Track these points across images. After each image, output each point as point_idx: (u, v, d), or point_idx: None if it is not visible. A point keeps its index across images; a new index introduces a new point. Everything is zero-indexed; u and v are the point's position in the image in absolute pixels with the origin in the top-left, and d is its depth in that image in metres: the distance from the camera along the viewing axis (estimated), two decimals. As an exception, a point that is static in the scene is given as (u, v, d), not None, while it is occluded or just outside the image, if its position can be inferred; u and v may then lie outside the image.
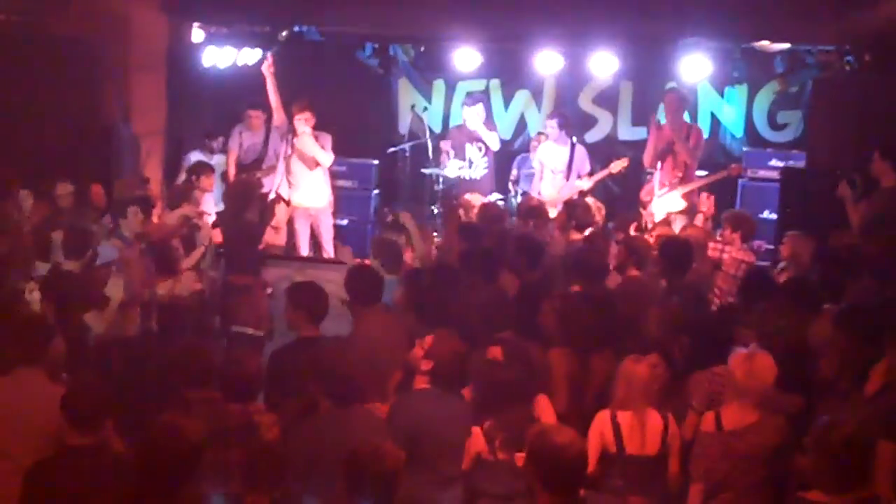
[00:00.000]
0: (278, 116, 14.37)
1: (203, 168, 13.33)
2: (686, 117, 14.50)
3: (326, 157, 14.20)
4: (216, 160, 14.70)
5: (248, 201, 11.57)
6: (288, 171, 14.26)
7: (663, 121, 14.34)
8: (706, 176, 14.10)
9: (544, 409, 7.35)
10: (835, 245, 10.26)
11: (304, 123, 13.99)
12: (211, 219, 12.32)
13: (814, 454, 5.77)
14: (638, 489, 7.06)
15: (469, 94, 16.35)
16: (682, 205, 13.40)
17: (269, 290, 11.43)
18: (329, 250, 14.45)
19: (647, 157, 14.18)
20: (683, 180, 13.70)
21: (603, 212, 12.93)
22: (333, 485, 5.80)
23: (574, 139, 15.13)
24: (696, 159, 13.96)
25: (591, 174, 14.85)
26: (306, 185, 14.27)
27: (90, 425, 6.18)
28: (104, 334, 9.23)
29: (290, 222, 14.40)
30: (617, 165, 14.66)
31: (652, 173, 14.37)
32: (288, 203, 14.22)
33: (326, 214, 14.53)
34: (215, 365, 7.00)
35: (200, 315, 11.09)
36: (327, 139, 14.25)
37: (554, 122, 14.94)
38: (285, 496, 6.08)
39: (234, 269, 11.39)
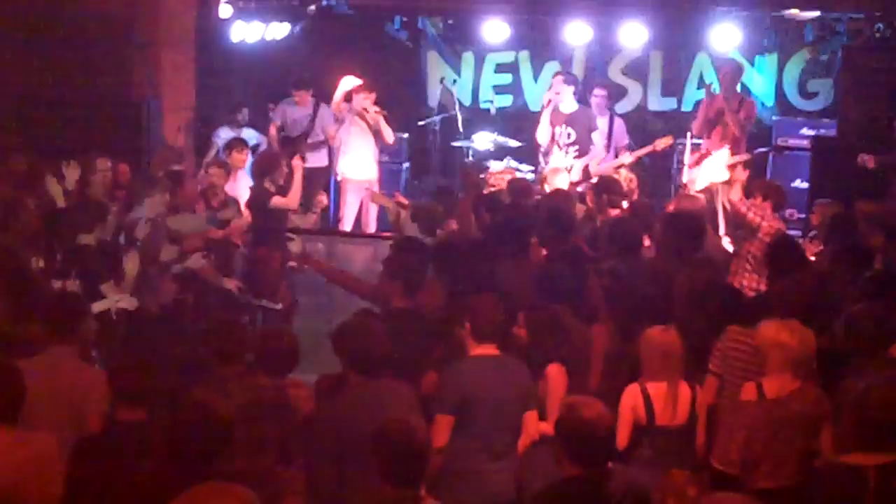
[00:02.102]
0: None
1: (235, 144, 13.40)
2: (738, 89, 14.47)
3: (391, 135, 14.43)
4: (244, 134, 14.75)
5: (267, 173, 11.56)
6: (346, 146, 14.35)
7: (717, 90, 14.29)
8: (749, 151, 13.98)
9: (553, 378, 7.34)
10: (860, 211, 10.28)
11: (364, 100, 14.12)
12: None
13: (852, 416, 5.78)
14: (667, 459, 7.05)
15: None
16: (726, 175, 13.34)
17: (292, 264, 11.45)
18: (372, 225, 14.51)
19: (696, 126, 14.13)
20: (732, 151, 13.61)
21: (635, 183, 12.89)
22: (365, 460, 5.80)
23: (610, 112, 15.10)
24: (745, 132, 13.89)
25: (629, 147, 14.75)
26: (360, 160, 14.34)
27: (139, 400, 6.21)
28: (129, 310, 9.23)
29: (340, 196, 14.53)
30: (661, 143, 14.51)
31: (683, 143, 14.36)
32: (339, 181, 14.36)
33: (375, 187, 14.58)
34: (247, 339, 7.01)
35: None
36: (386, 117, 14.42)
37: (604, 92, 14.91)
38: (314, 470, 6.13)
39: (255, 242, 11.41)
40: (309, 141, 14.78)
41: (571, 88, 13.93)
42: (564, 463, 5.71)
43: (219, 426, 5.47)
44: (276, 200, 11.35)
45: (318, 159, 14.84)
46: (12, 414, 5.80)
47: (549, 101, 14.00)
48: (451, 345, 7.45)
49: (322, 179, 14.76)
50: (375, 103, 14.28)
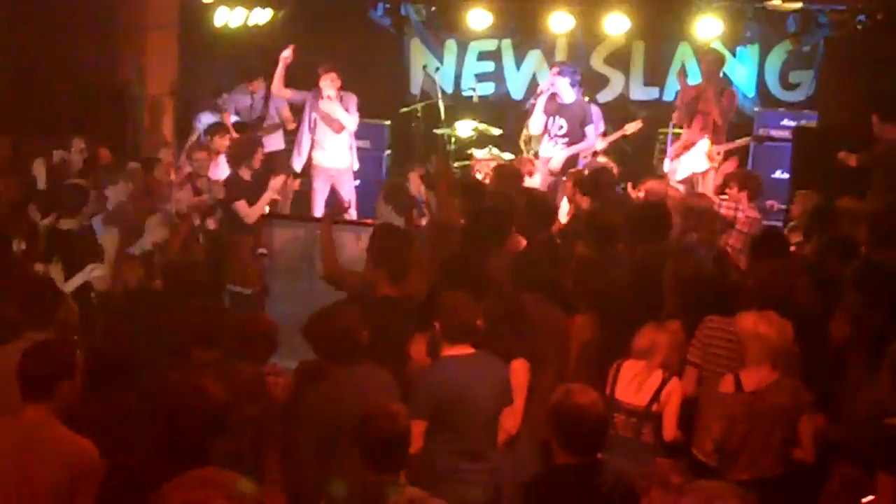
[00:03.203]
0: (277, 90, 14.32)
1: (217, 129, 13.37)
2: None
3: (351, 120, 14.16)
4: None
5: (243, 159, 11.52)
6: (312, 131, 14.26)
7: (693, 80, 14.34)
8: (730, 140, 14.02)
9: (517, 374, 7.27)
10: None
11: (329, 85, 13.96)
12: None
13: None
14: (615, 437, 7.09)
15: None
16: (707, 165, 13.39)
17: (262, 251, 11.44)
18: (350, 212, 14.47)
19: (676, 115, 14.18)
20: (712, 141, 13.67)
21: (616, 171, 12.95)
22: (346, 446, 5.82)
23: (587, 98, 15.11)
24: (726, 121, 13.93)
25: (604, 134, 14.83)
26: (329, 146, 14.25)
27: (122, 384, 6.22)
28: (107, 292, 9.20)
29: (309, 183, 14.43)
30: (631, 127, 14.61)
31: (665, 132, 14.42)
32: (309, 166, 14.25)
33: (348, 176, 14.50)
34: (224, 324, 7.00)
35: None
36: (352, 100, 14.19)
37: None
38: (294, 456, 6.13)
39: (227, 227, 11.36)
40: (265, 125, 14.72)
41: (566, 80, 13.89)
42: (556, 450, 5.72)
43: (214, 410, 5.45)
44: (242, 208, 11.25)
45: (274, 143, 14.72)
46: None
47: (541, 91, 14.03)
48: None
49: (282, 162, 14.62)
50: (343, 87, 14.17)
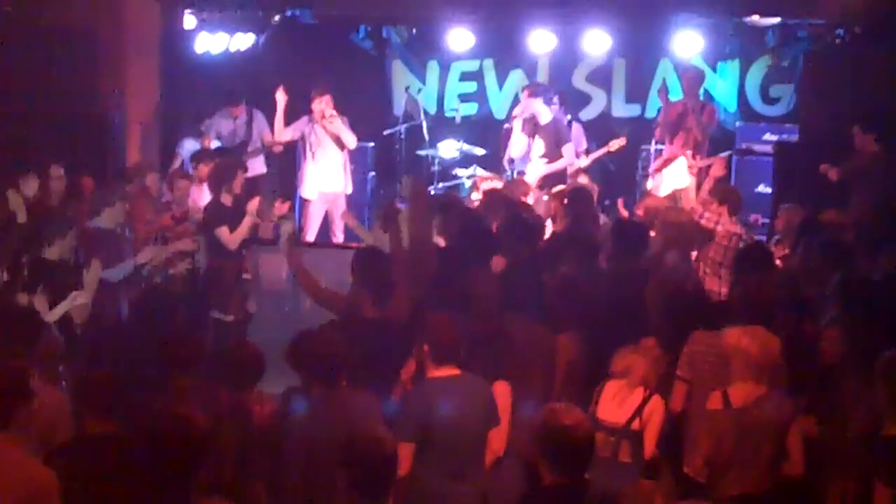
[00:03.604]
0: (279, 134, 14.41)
1: (202, 156, 13.39)
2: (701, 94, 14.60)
3: (352, 139, 14.26)
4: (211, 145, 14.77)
5: (224, 182, 11.50)
6: (313, 157, 14.29)
7: (674, 96, 14.38)
8: (711, 156, 14.05)
9: (499, 396, 7.24)
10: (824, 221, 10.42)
11: (325, 106, 14.06)
12: None
13: (891, 389, 5.95)
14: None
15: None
16: (689, 181, 13.42)
17: (247, 276, 11.41)
18: (339, 236, 14.47)
19: (658, 131, 14.22)
20: (694, 157, 13.71)
21: (596, 190, 12.99)
22: (331, 472, 5.81)
23: (569, 116, 15.16)
24: (707, 136, 13.99)
25: (587, 152, 14.88)
26: (326, 169, 14.29)
27: (109, 411, 6.19)
28: (90, 320, 9.16)
29: (302, 208, 14.47)
30: (615, 144, 14.65)
31: (648, 149, 14.46)
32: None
33: (342, 200, 14.54)
34: (205, 351, 6.97)
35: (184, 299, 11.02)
36: (345, 122, 14.32)
37: (555, 98, 14.99)
38: (279, 483, 6.11)
39: (209, 253, 11.31)
40: (249, 149, 14.71)
41: (539, 100, 13.94)
42: (542, 471, 5.69)
43: (198, 438, 5.40)
44: (223, 234, 11.19)
45: (257, 167, 14.75)
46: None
47: (515, 115, 14.09)
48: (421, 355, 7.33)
49: (264, 187, 14.64)
50: (335, 108, 14.23)
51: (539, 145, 13.83)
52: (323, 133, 14.24)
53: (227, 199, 11.35)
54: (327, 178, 14.37)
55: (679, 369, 7.60)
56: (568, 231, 10.41)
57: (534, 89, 14.16)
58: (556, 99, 14.62)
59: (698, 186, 13.09)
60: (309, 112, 14.30)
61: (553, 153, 13.79)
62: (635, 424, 7.26)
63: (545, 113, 13.89)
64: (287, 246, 9.24)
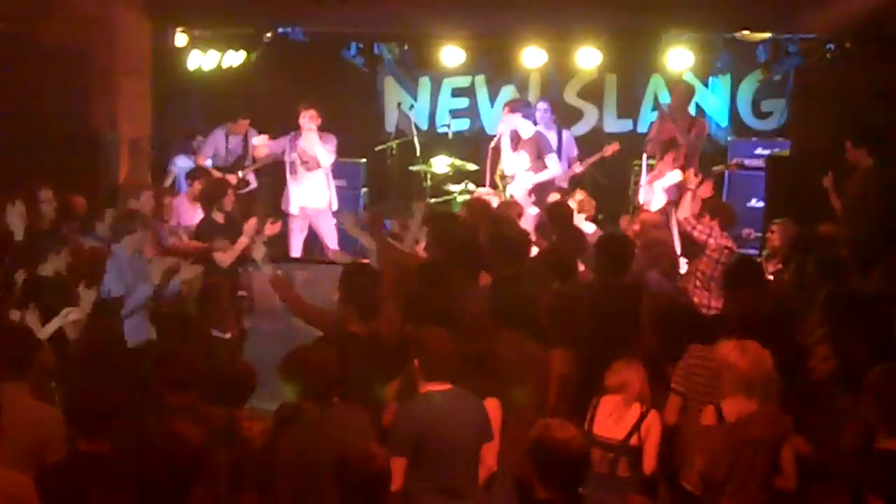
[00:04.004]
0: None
1: (198, 173, 13.42)
2: (692, 109, 14.63)
3: (327, 158, 14.27)
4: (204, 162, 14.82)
5: (215, 201, 11.50)
6: (293, 171, 14.31)
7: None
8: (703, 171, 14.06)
9: (490, 412, 7.19)
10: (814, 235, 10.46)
11: (308, 121, 14.07)
12: None
13: (877, 403, 5.97)
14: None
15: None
16: (680, 195, 13.43)
17: (242, 293, 11.40)
18: (333, 246, 14.45)
19: (649, 146, 14.23)
20: (685, 171, 13.72)
21: (593, 206, 13.03)
22: (324, 489, 5.80)
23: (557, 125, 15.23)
24: (697, 151, 14.01)
25: (580, 159, 14.95)
26: (306, 186, 14.31)
27: (101, 431, 6.16)
28: (83, 338, 9.12)
29: (287, 223, 14.46)
30: (609, 149, 14.72)
31: (639, 164, 14.49)
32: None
33: (326, 215, 14.54)
34: (197, 368, 6.96)
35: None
36: (332, 140, 14.35)
37: (546, 105, 15.06)
38: (272, 499, 6.10)
39: (204, 271, 11.29)
40: (246, 164, 14.76)
41: (518, 115, 14.05)
42: (536, 486, 5.68)
43: (190, 456, 5.40)
44: (219, 256, 11.18)
45: (250, 182, 14.93)
46: None
47: (499, 133, 14.17)
48: (409, 372, 7.32)
49: (254, 202, 14.71)
50: (321, 128, 14.29)
51: (524, 159, 13.95)
52: (305, 149, 14.26)
53: (218, 217, 11.36)
54: (309, 194, 14.38)
55: (674, 382, 7.61)
56: (550, 247, 10.43)
57: (513, 105, 14.30)
58: (541, 112, 14.79)
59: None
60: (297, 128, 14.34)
61: (537, 165, 13.86)
62: (633, 440, 7.26)
63: (525, 127, 14.06)
64: (266, 267, 9.31)
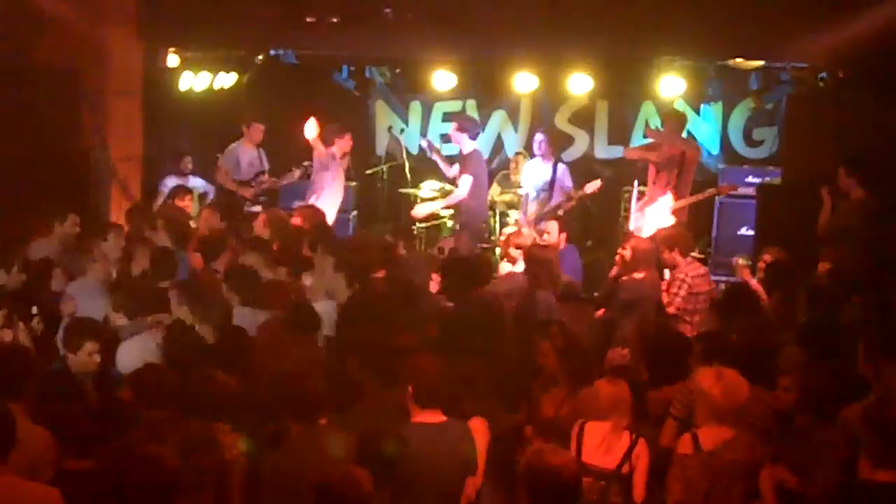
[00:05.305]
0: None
1: (178, 191, 13.43)
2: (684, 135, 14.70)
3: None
4: (191, 183, 14.82)
5: (212, 259, 11.40)
6: (322, 193, 14.36)
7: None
8: (694, 195, 14.09)
9: (475, 433, 7.17)
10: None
11: (342, 147, 14.42)
12: None
13: (872, 433, 5.94)
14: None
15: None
16: (672, 221, 13.43)
17: None
18: None
19: (651, 170, 14.23)
20: (675, 196, 13.73)
21: (564, 237, 13.08)
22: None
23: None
24: (689, 177, 14.04)
25: (568, 195, 14.95)
26: (330, 206, 14.39)
27: (85, 448, 6.15)
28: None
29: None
30: (591, 187, 14.65)
31: (630, 190, 14.51)
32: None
33: None
34: (175, 383, 6.93)
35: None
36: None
37: (542, 137, 15.10)
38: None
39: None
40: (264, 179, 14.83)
41: (464, 135, 14.15)
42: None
43: (164, 475, 5.43)
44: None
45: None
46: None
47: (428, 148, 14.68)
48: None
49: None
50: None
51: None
52: (338, 171, 14.45)
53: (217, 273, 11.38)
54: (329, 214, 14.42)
55: (673, 408, 7.64)
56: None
57: (459, 123, 14.47)
58: (537, 144, 15.06)
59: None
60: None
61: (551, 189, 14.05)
62: (625, 469, 7.22)
63: (465, 144, 14.16)
64: None
